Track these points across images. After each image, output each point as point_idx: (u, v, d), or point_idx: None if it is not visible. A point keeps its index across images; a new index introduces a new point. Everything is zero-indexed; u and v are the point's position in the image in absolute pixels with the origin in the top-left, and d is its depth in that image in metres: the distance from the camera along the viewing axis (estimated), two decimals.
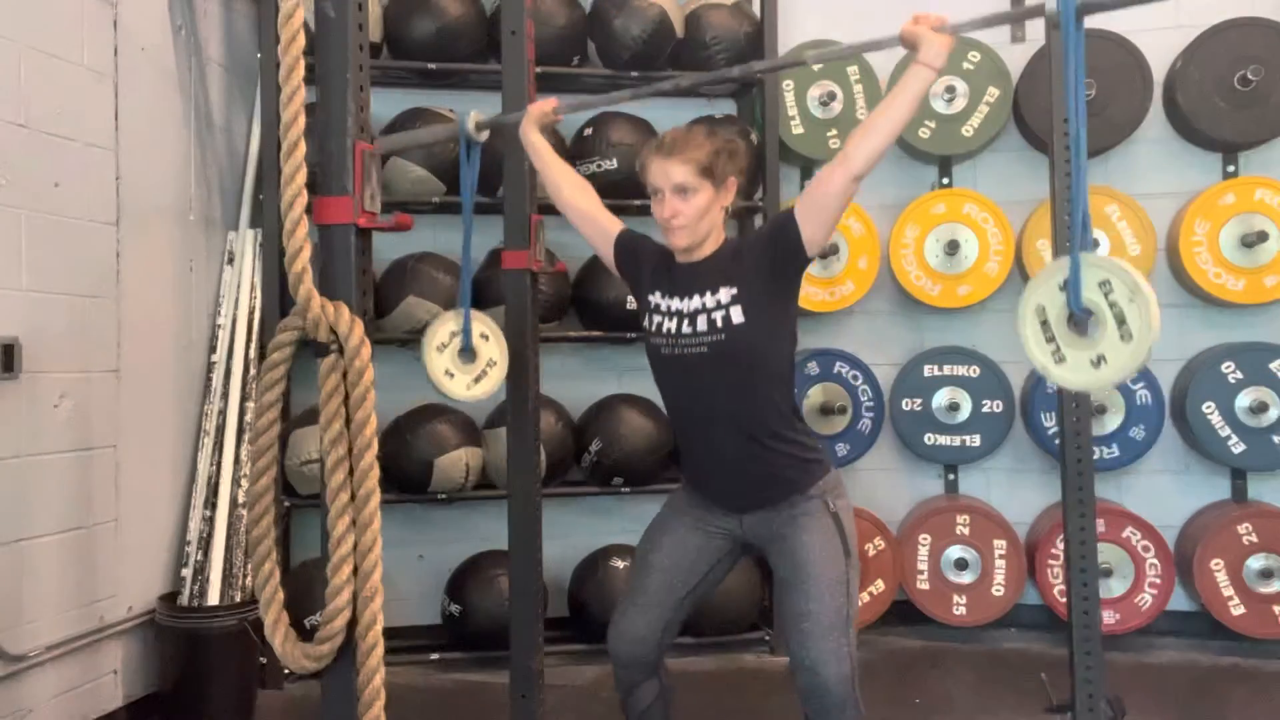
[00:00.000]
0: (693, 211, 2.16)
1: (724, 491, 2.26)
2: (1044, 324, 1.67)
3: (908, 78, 2.03)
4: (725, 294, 2.16)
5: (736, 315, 2.15)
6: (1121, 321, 1.63)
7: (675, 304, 2.22)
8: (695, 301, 2.19)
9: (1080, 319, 1.65)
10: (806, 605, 2.10)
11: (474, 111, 2.55)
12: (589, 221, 2.44)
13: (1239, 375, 3.87)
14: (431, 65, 3.84)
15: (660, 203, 2.19)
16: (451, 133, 2.61)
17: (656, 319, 2.26)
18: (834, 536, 2.16)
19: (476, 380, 2.60)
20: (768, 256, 2.16)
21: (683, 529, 2.31)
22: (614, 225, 2.42)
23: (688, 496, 2.34)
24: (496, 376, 2.62)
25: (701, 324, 2.17)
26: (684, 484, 2.38)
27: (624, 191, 3.94)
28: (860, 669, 2.10)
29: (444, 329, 2.58)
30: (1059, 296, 1.66)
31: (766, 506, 2.21)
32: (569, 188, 2.47)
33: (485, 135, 2.59)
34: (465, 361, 2.59)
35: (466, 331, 2.56)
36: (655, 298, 2.28)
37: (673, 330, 2.21)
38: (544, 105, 2.49)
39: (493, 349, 2.62)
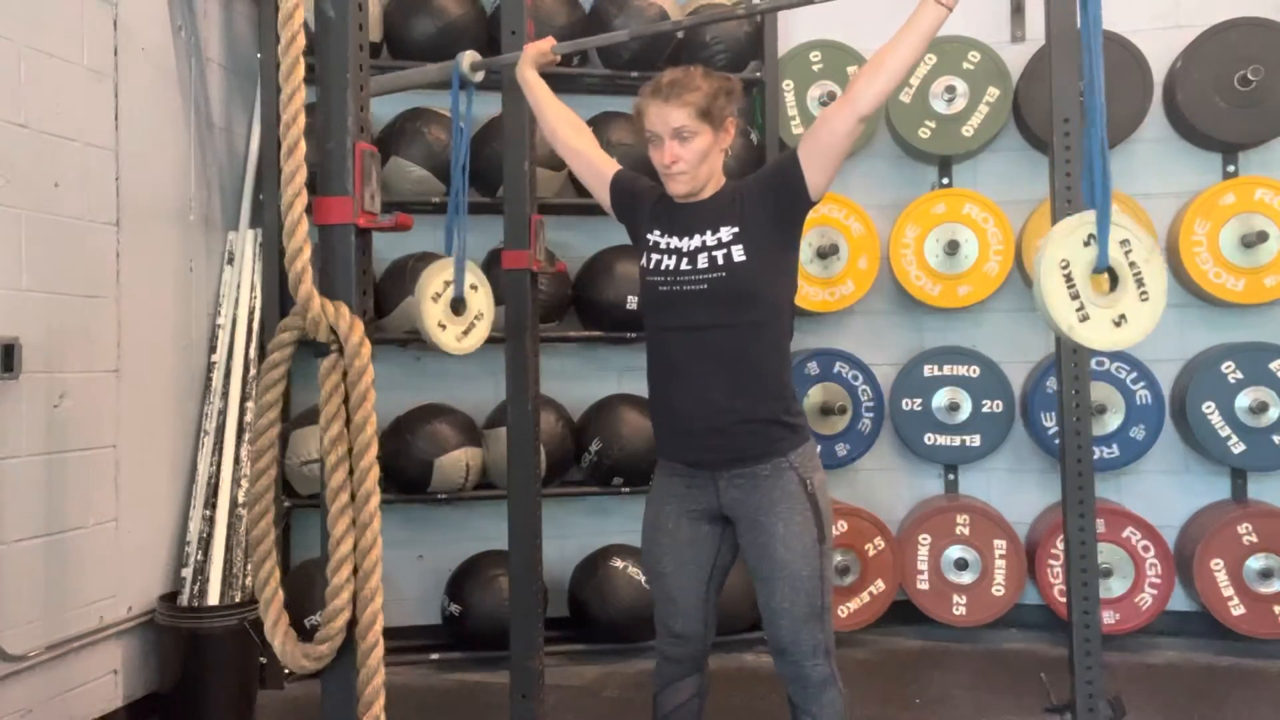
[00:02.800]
0: (693, 156, 2.13)
1: (702, 444, 2.17)
2: (1067, 278, 1.64)
3: (919, 15, 1.98)
4: (726, 232, 2.13)
5: (738, 253, 2.11)
6: (1140, 282, 1.62)
7: (675, 242, 2.19)
8: (695, 240, 2.16)
9: (1104, 275, 1.63)
10: (781, 604, 2.13)
11: (468, 53, 2.54)
12: (584, 162, 2.41)
13: (1239, 375, 3.87)
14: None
15: (659, 148, 2.15)
16: (446, 73, 2.58)
17: (655, 257, 2.21)
18: (810, 523, 2.12)
19: (465, 333, 2.58)
20: (770, 198, 2.14)
21: (671, 523, 2.26)
22: (609, 165, 2.38)
23: (663, 480, 2.29)
24: (483, 330, 2.60)
25: (702, 261, 2.14)
26: (659, 465, 2.31)
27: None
28: (849, 661, 2.12)
29: (438, 278, 2.54)
30: (1084, 252, 1.63)
31: (743, 466, 2.14)
32: (565, 127, 2.44)
33: (480, 76, 2.58)
34: (456, 313, 2.56)
35: (459, 281, 2.53)
36: (654, 235, 2.23)
37: (671, 267, 2.17)
38: (541, 45, 2.47)
39: (480, 301, 2.59)
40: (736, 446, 2.14)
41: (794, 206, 2.14)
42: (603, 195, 2.38)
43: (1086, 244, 1.63)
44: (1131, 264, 1.63)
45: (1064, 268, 1.64)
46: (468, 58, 2.53)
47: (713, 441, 2.16)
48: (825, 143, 2.07)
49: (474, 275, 2.60)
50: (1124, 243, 1.63)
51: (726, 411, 2.13)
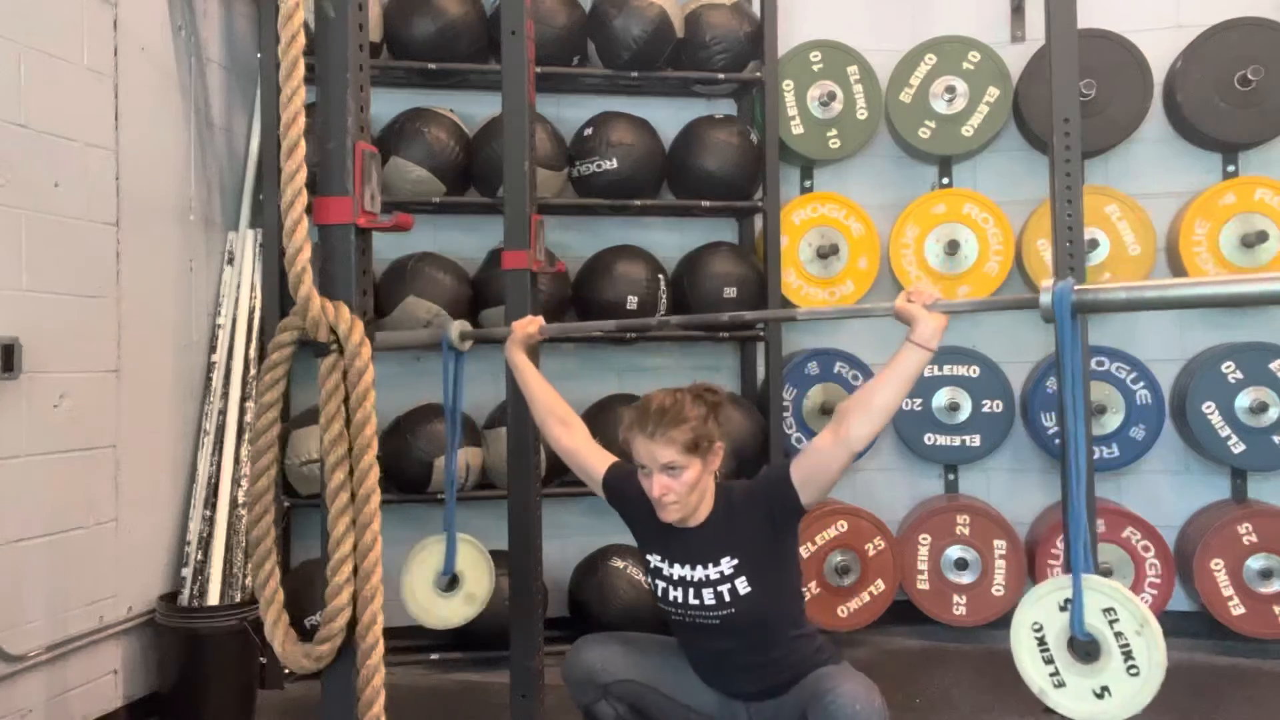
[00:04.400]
0: (682, 487, 2.16)
1: (733, 693, 2.32)
2: (1040, 641, 1.60)
3: (902, 358, 2.01)
4: (727, 565, 2.19)
5: (743, 586, 2.19)
6: (1128, 655, 1.53)
7: (678, 571, 2.25)
8: (699, 572, 2.22)
9: (1082, 644, 1.56)
10: (826, 685, 2.13)
11: (456, 323, 2.60)
12: (576, 461, 2.46)
13: (1239, 375, 3.87)
14: (431, 65, 3.84)
15: (649, 479, 2.19)
16: (433, 337, 2.64)
17: (661, 585, 2.29)
18: (845, 666, 2.24)
19: (466, 603, 2.74)
20: (767, 522, 2.20)
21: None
22: (601, 464, 2.42)
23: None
24: (478, 607, 2.73)
25: (709, 597, 2.21)
26: None
27: (623, 191, 3.94)
28: (848, 661, 2.12)
29: (429, 559, 2.73)
30: (1058, 617, 1.57)
31: (777, 698, 2.27)
32: (555, 424, 2.49)
33: (469, 345, 2.63)
34: (442, 588, 2.72)
35: (450, 559, 2.68)
36: (655, 560, 2.30)
37: (680, 600, 2.24)
38: (528, 326, 2.54)
39: (477, 583, 2.72)
40: (771, 692, 2.28)
41: (788, 521, 2.22)
42: (596, 490, 2.44)
43: (1063, 608, 1.57)
44: (1118, 634, 1.54)
45: (1036, 630, 1.61)
46: (456, 327, 2.59)
47: (742, 695, 2.31)
48: (820, 474, 2.13)
49: (469, 555, 2.70)
50: (1108, 611, 1.55)
51: (759, 681, 2.27)
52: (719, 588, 2.19)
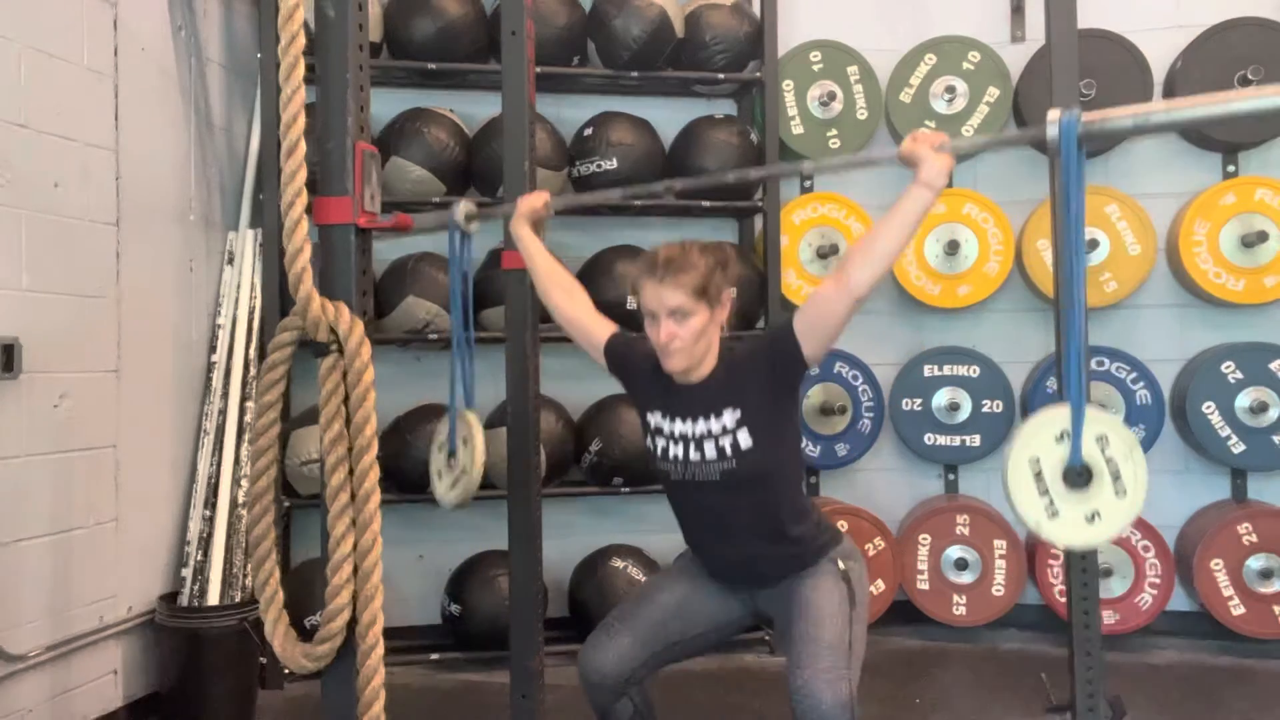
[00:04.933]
0: (689, 334, 2.13)
1: (738, 576, 2.31)
2: (1037, 475, 1.63)
3: (907, 199, 1.98)
4: (730, 418, 2.16)
5: (744, 439, 2.15)
6: (1117, 477, 1.60)
7: (679, 427, 2.21)
8: (700, 426, 2.18)
9: (1078, 473, 1.61)
10: (804, 629, 2.10)
11: (463, 201, 2.57)
12: (578, 329, 2.44)
13: (1239, 375, 3.87)
14: (431, 65, 3.84)
15: (655, 326, 2.16)
16: (440, 221, 2.62)
17: (660, 442, 2.25)
18: (840, 584, 2.19)
19: (452, 486, 2.66)
20: (769, 376, 2.16)
21: (698, 580, 2.34)
22: (603, 331, 2.40)
23: (700, 566, 2.37)
24: (466, 486, 2.64)
25: (710, 451, 2.17)
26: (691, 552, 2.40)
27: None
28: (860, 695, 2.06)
29: (444, 429, 2.66)
30: (1055, 449, 1.62)
31: (780, 583, 2.25)
32: (558, 292, 2.47)
33: (476, 226, 2.60)
34: (451, 466, 2.66)
35: (451, 434, 2.62)
36: (655, 419, 2.27)
37: (679, 456, 2.21)
38: (534, 201, 2.51)
39: (468, 456, 2.63)
40: (772, 575, 2.26)
41: (792, 376, 2.18)
42: (598, 359, 2.41)
43: (1059, 440, 1.62)
44: (1109, 459, 1.60)
45: (1034, 465, 1.64)
46: (462, 207, 2.56)
47: (747, 580, 2.30)
48: (823, 323, 2.09)
49: (467, 428, 2.63)
50: (1101, 438, 1.61)
51: (757, 558, 2.24)
52: (720, 441, 2.15)
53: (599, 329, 2.40)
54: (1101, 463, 1.61)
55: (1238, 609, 3.82)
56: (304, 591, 3.38)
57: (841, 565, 2.21)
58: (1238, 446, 3.88)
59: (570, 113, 4.09)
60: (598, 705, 2.31)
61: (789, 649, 2.11)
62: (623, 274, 3.89)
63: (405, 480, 3.73)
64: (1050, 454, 1.62)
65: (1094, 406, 1.67)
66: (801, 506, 2.25)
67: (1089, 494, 1.61)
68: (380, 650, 1.65)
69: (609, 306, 3.87)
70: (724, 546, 2.26)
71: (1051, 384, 3.94)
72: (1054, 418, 1.64)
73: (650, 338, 2.19)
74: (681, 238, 4.52)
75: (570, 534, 4.03)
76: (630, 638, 2.27)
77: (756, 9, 4.14)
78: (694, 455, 2.18)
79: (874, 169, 4.33)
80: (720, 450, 2.15)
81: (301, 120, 1.61)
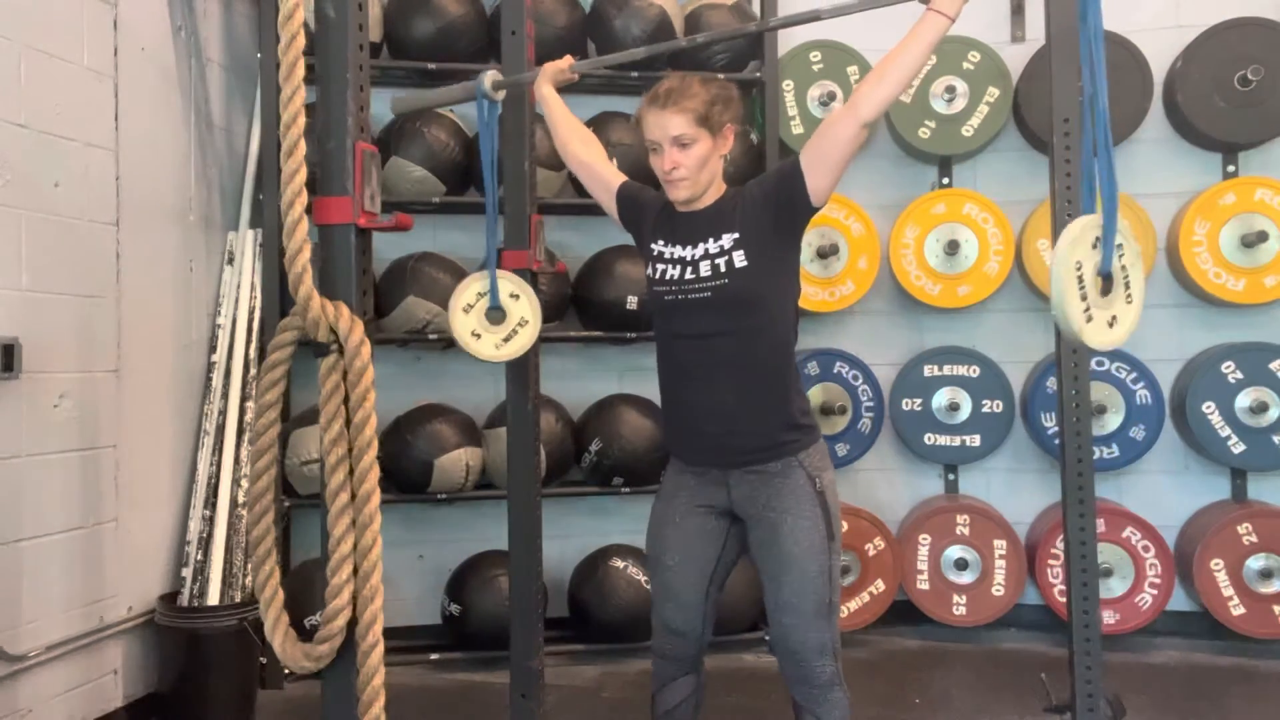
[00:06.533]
0: (693, 162, 2.15)
1: (713, 445, 2.21)
2: (1079, 280, 1.67)
3: (921, 26, 1.98)
4: (728, 239, 2.16)
5: (739, 259, 2.14)
6: (1127, 285, 1.67)
7: (678, 251, 2.22)
8: (699, 249, 2.18)
9: (1106, 278, 1.67)
10: (789, 598, 2.12)
11: (490, 72, 2.59)
12: (592, 173, 2.46)
13: (1239, 375, 3.87)
14: (431, 65, 3.84)
15: (659, 156, 2.18)
16: (469, 93, 2.62)
17: (660, 266, 2.24)
18: (819, 521, 2.13)
19: (506, 340, 2.61)
20: (772, 204, 2.16)
21: (679, 516, 2.28)
22: (616, 177, 2.44)
23: (675, 476, 2.31)
24: (528, 335, 2.62)
25: (705, 269, 2.16)
26: (670, 463, 2.35)
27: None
28: (848, 661, 2.11)
29: (471, 289, 2.59)
30: (1091, 255, 1.66)
31: (754, 465, 2.17)
32: (576, 140, 2.50)
33: (502, 95, 2.61)
34: (494, 322, 2.60)
35: (493, 291, 2.58)
36: (658, 245, 2.27)
37: (675, 276, 2.20)
38: (560, 63, 2.53)
39: (524, 308, 2.63)
40: (747, 447, 2.18)
41: (795, 212, 2.16)
42: (609, 205, 2.42)
43: (1094, 246, 1.67)
44: (1123, 267, 1.68)
45: (1078, 269, 1.67)
46: (489, 77, 2.57)
47: (724, 442, 2.20)
48: (828, 149, 2.08)
49: (514, 284, 2.63)
50: (1119, 247, 1.68)
51: (736, 413, 2.17)
52: (716, 260, 2.15)
53: (612, 175, 2.44)
54: (1119, 270, 1.67)
55: (1238, 609, 3.82)
56: (304, 591, 3.38)
57: (818, 484, 2.16)
58: (1238, 446, 3.88)
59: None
60: (664, 676, 2.30)
61: (767, 584, 2.14)
62: (623, 274, 3.89)
63: (405, 480, 3.73)
64: (1089, 260, 1.67)
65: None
66: (790, 366, 2.22)
67: (1110, 300, 1.68)
68: (380, 650, 1.65)
69: (609, 306, 3.89)
70: (705, 389, 2.19)
71: (1051, 384, 3.94)
72: (1090, 224, 1.69)
73: (655, 169, 2.21)
74: None
75: (570, 534, 4.03)
76: (680, 597, 2.27)
77: (756, 9, 4.14)
78: (688, 275, 2.18)
79: (874, 170, 4.33)
80: (715, 268, 2.16)
81: (301, 120, 1.61)
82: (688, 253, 2.20)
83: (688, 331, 2.20)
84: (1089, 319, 1.66)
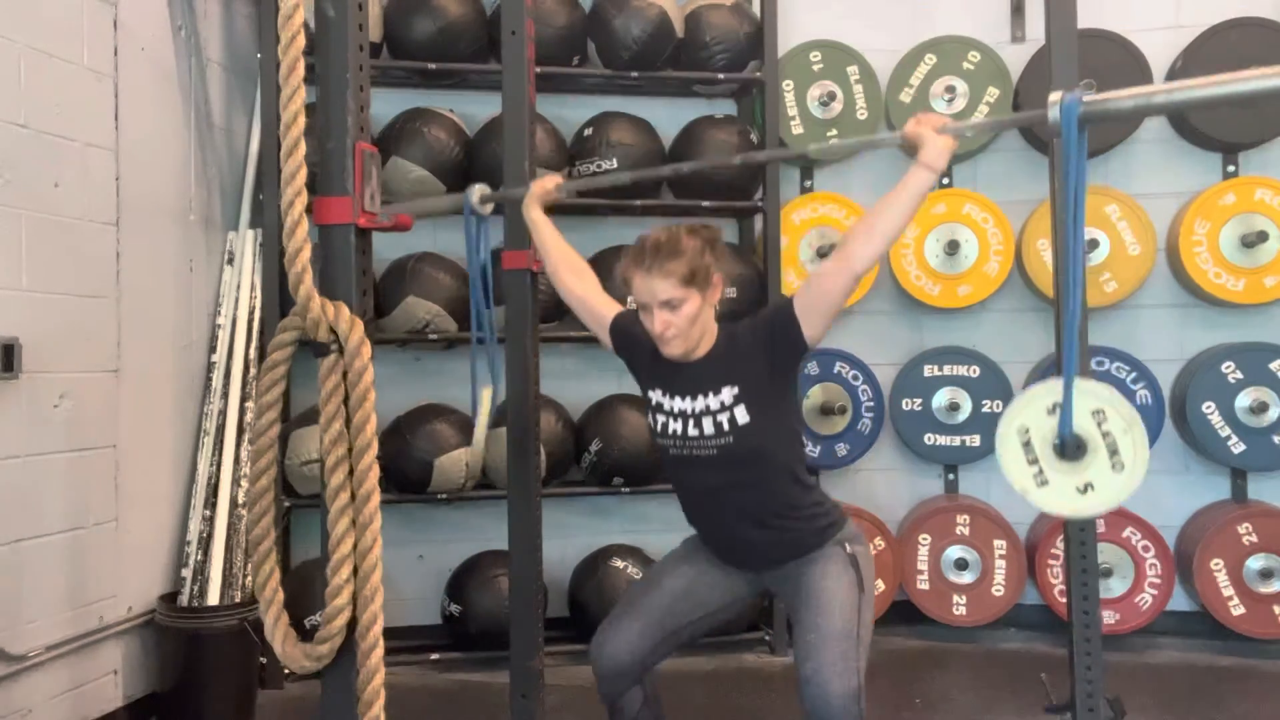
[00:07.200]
0: (683, 321, 2.15)
1: (741, 558, 2.31)
2: (1026, 445, 1.66)
3: (909, 179, 2.01)
4: (728, 394, 2.17)
5: (741, 415, 2.16)
6: (1114, 451, 1.61)
7: (678, 404, 2.23)
8: (699, 403, 2.20)
9: (1069, 444, 1.63)
10: (813, 619, 2.12)
11: (478, 186, 2.57)
12: (585, 307, 2.46)
13: (1239, 375, 3.87)
14: (431, 65, 3.84)
15: (649, 316, 2.18)
16: (455, 204, 2.62)
17: (661, 419, 2.26)
18: (848, 570, 2.19)
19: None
20: (768, 353, 2.17)
21: (704, 562, 2.34)
22: (609, 310, 2.42)
23: (700, 543, 2.38)
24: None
25: (708, 426, 2.18)
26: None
27: (624, 192, 3.94)
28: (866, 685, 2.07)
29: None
30: (1046, 420, 1.64)
31: (786, 565, 2.25)
32: (567, 272, 2.49)
33: (489, 208, 2.60)
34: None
35: (476, 415, 2.55)
36: (656, 395, 2.28)
37: (679, 432, 2.22)
38: (546, 183, 2.53)
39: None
40: (777, 558, 2.26)
41: (791, 356, 2.19)
42: (603, 338, 2.43)
43: (1051, 412, 1.64)
44: (1105, 434, 1.62)
45: (1023, 435, 1.67)
46: (477, 191, 2.57)
47: (750, 562, 2.30)
48: (822, 302, 2.10)
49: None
50: (1098, 413, 1.63)
51: (760, 540, 2.25)
52: (718, 416, 2.17)
53: (605, 308, 2.43)
54: (1097, 436, 1.63)
55: (1238, 609, 3.82)
56: (304, 591, 3.38)
57: (849, 549, 2.22)
58: (1238, 446, 3.88)
59: (570, 113, 4.09)
60: (609, 694, 2.31)
61: (797, 636, 2.13)
62: (622, 274, 3.89)
63: (405, 480, 3.73)
64: (1041, 425, 1.65)
65: (1092, 381, 1.69)
66: (804, 485, 2.25)
67: (1082, 465, 1.63)
68: (380, 650, 1.65)
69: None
70: (725, 525, 2.26)
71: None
72: (1047, 390, 1.67)
73: (646, 327, 2.21)
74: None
75: (570, 534, 4.03)
76: (641, 623, 2.28)
77: (756, 9, 4.14)
78: (692, 431, 2.20)
79: (873, 170, 4.33)
80: (718, 426, 2.17)
81: (301, 120, 1.61)
82: (688, 405, 2.21)
83: (698, 486, 2.27)
84: (1042, 482, 1.65)
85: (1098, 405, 1.63)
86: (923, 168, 1.99)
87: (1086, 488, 1.63)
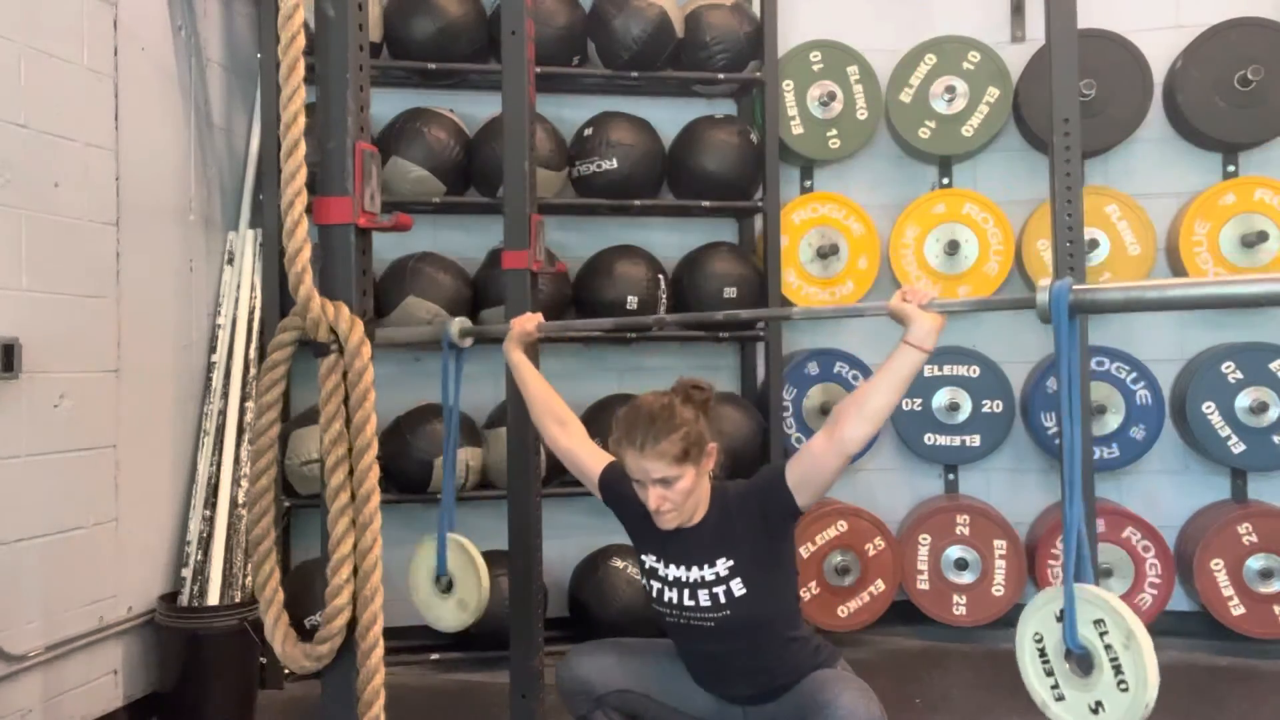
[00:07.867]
0: (678, 495, 2.13)
1: (730, 697, 2.30)
2: (1041, 653, 1.60)
3: (897, 359, 1.99)
4: (723, 566, 2.16)
5: (738, 588, 2.16)
6: (1118, 670, 1.53)
7: (673, 572, 2.22)
8: (694, 573, 2.19)
9: (1076, 655, 1.57)
10: (821, 687, 2.12)
11: (456, 320, 2.59)
12: (571, 460, 2.45)
13: (1239, 375, 3.87)
14: (431, 65, 3.84)
15: (644, 490, 2.16)
16: (436, 334, 2.63)
17: (655, 585, 2.26)
18: (832, 662, 2.24)
19: (460, 609, 2.64)
20: (762, 523, 2.17)
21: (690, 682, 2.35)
22: (597, 464, 2.39)
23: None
24: (476, 612, 2.62)
25: (704, 599, 2.18)
26: None
27: (623, 191, 3.94)
28: (848, 661, 2.11)
29: (428, 555, 2.65)
30: (1055, 628, 1.58)
31: (777, 699, 2.25)
32: (551, 423, 2.47)
33: (469, 342, 2.61)
34: (444, 592, 2.63)
35: (441, 561, 2.61)
36: (650, 560, 2.28)
37: (674, 601, 2.22)
38: (526, 324, 2.52)
39: (469, 588, 2.61)
40: (771, 699, 2.26)
41: (784, 523, 2.19)
42: (593, 490, 2.41)
43: (1058, 619, 1.57)
44: (1107, 647, 1.53)
45: (1038, 641, 1.61)
46: (456, 324, 2.59)
47: (740, 699, 2.29)
48: (814, 477, 2.10)
49: (463, 555, 2.62)
50: (1098, 623, 1.55)
51: (755, 690, 2.25)
52: (714, 589, 2.16)
53: (593, 462, 2.40)
54: (1100, 650, 1.54)
55: (1238, 609, 3.82)
56: (304, 591, 3.38)
57: (835, 667, 2.25)
58: (1238, 446, 3.88)
59: (570, 113, 4.09)
60: (575, 714, 2.34)
61: (814, 706, 2.11)
62: (623, 274, 3.89)
63: (405, 480, 3.73)
64: (1051, 632, 1.58)
65: (1091, 588, 1.58)
66: (801, 640, 2.26)
67: (1091, 682, 1.55)
68: (380, 650, 1.65)
69: (609, 307, 3.88)
70: (722, 682, 2.28)
71: (1052, 384, 3.94)
72: (1055, 595, 1.59)
73: (641, 499, 2.19)
74: (681, 240, 4.52)
75: (570, 534, 4.03)
76: (616, 659, 2.31)
77: (756, 9, 4.14)
78: (688, 601, 2.20)
79: (873, 170, 4.33)
80: (714, 599, 2.17)
81: (301, 120, 1.61)
82: (683, 574, 2.20)
83: (698, 652, 2.27)
84: (1058, 697, 1.58)
85: (1098, 614, 1.55)
86: (910, 347, 1.97)
87: (1097, 707, 1.55)
